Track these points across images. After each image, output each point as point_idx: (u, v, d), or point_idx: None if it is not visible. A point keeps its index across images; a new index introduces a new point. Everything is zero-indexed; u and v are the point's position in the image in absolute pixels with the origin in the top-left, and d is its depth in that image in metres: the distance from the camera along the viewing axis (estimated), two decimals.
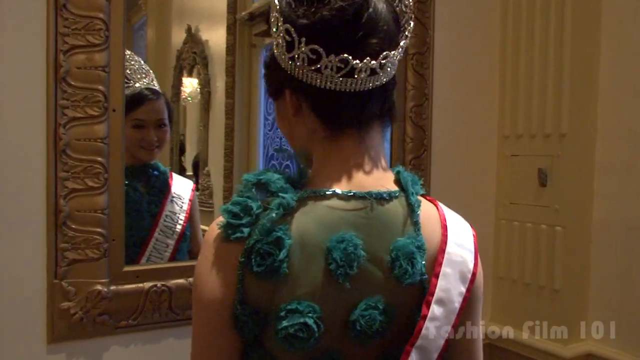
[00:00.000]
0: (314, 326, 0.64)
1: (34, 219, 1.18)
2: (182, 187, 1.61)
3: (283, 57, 0.68)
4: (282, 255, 0.63)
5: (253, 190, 0.67)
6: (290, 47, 0.67)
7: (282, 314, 0.64)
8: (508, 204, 1.78)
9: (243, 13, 1.83)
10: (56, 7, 1.16)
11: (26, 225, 1.18)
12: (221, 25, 1.81)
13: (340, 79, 0.66)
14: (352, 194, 0.67)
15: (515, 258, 1.77)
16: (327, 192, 0.67)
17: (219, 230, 0.67)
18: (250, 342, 0.68)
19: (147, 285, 1.28)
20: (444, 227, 0.72)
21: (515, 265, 1.77)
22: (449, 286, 0.69)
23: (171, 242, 1.48)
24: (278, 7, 0.67)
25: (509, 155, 1.78)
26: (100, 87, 1.20)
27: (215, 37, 1.81)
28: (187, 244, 1.54)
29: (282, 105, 0.73)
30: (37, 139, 1.17)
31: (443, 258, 0.70)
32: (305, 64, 0.66)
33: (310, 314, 0.64)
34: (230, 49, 1.79)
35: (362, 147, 0.71)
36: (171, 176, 1.58)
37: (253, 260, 0.64)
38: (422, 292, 0.69)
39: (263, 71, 0.76)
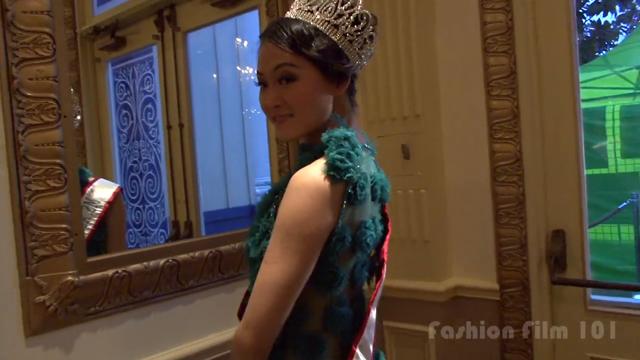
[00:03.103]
0: (375, 235, 1.14)
1: (2, 222, 1.36)
2: (102, 192, 1.84)
3: (358, 55, 1.17)
4: (368, 187, 1.10)
5: (346, 143, 1.08)
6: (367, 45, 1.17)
7: (364, 229, 1.11)
8: None
9: (85, 27, 2.00)
10: (3, 23, 1.37)
11: None
12: None
13: None
14: (366, 146, 1.17)
15: (394, 222, 2.35)
16: (365, 146, 1.18)
17: (326, 177, 1.05)
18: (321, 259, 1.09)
19: (110, 272, 1.53)
20: None
21: (392, 226, 2.35)
22: None
23: None
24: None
25: (375, 137, 2.34)
26: (53, 96, 1.42)
27: None
28: (100, 244, 1.80)
29: (315, 83, 1.15)
30: None
31: None
32: (366, 62, 1.18)
33: (373, 229, 1.14)
34: (73, 64, 1.91)
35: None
36: (90, 183, 1.82)
37: (358, 191, 1.07)
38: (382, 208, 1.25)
39: (315, 55, 1.14)
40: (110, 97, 2.18)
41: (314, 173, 1.07)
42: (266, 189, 1.29)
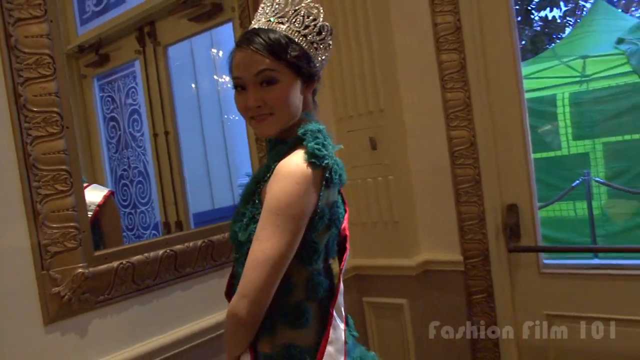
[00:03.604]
0: (343, 213, 1.27)
1: (18, 223, 1.44)
2: (93, 196, 1.88)
3: (321, 59, 1.28)
4: (340, 171, 1.22)
5: (320, 135, 1.21)
6: (326, 52, 1.29)
7: (336, 208, 1.24)
8: (351, 168, 2.42)
9: (70, 46, 2.04)
10: (8, 47, 1.46)
11: (11, 230, 1.44)
12: None
13: None
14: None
15: (363, 206, 2.45)
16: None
17: (308, 164, 1.17)
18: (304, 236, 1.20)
19: (116, 263, 1.62)
20: None
21: (363, 211, 2.45)
22: None
23: None
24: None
25: (345, 131, 2.46)
26: (56, 109, 1.50)
27: None
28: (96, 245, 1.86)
29: (295, 87, 1.27)
30: (10, 157, 1.44)
31: None
32: (324, 66, 1.29)
33: (342, 208, 1.28)
34: None
35: None
36: (84, 188, 1.87)
37: (333, 175, 1.19)
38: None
39: (292, 60, 1.26)
40: (98, 111, 2.22)
41: (297, 161, 1.18)
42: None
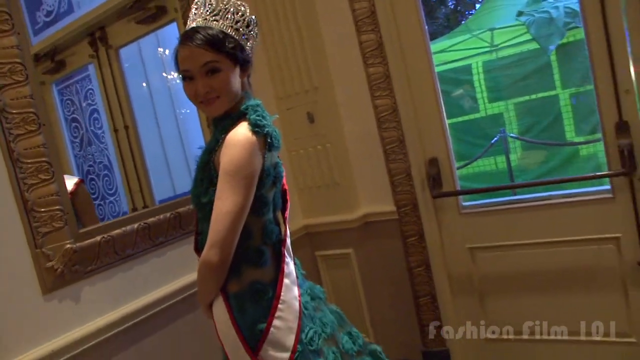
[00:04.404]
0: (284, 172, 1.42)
1: (10, 211, 1.54)
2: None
3: (251, 47, 1.41)
4: (278, 137, 1.37)
5: (259, 109, 1.37)
6: (254, 41, 1.42)
7: (278, 168, 1.40)
8: (294, 140, 2.60)
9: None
10: None
11: (5, 218, 1.54)
12: None
13: None
14: None
15: (307, 172, 2.62)
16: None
17: (253, 134, 1.31)
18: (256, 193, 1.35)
19: (98, 238, 1.74)
20: None
21: (309, 177, 2.62)
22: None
23: None
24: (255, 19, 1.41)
25: (285, 109, 2.61)
26: (32, 110, 1.59)
27: None
28: None
29: (235, 73, 1.40)
30: None
31: None
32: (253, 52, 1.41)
33: (282, 167, 1.42)
34: None
35: None
36: None
37: (274, 140, 1.34)
38: None
39: (230, 51, 1.38)
40: (60, 114, 2.23)
41: (243, 131, 1.33)
42: None
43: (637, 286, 2.22)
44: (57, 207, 1.65)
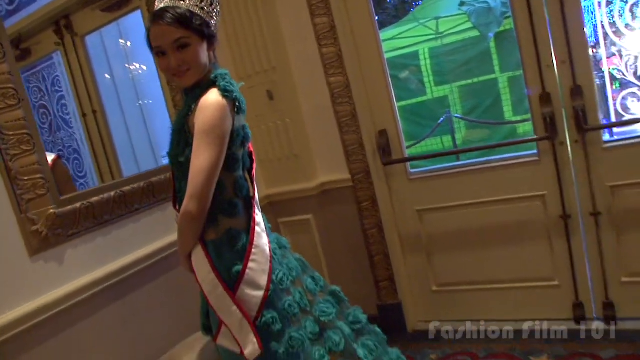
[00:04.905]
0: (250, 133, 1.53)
1: None
2: None
3: (215, 23, 1.49)
4: (245, 102, 1.47)
5: (227, 77, 1.47)
6: (217, 17, 1.49)
7: (246, 129, 1.50)
8: (255, 117, 2.67)
9: None
10: None
11: None
12: None
13: None
14: None
15: (268, 146, 2.71)
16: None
17: (223, 98, 1.41)
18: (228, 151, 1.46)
19: (78, 204, 1.80)
20: None
21: (269, 150, 2.72)
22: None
23: None
24: None
25: (247, 88, 2.69)
26: (11, 86, 1.65)
27: None
28: None
29: (203, 47, 1.49)
30: None
31: None
32: (217, 28, 1.50)
33: (249, 130, 1.53)
34: None
35: None
36: None
37: (241, 104, 1.45)
38: None
39: (197, 28, 1.46)
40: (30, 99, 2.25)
41: (214, 97, 1.44)
42: None
43: (560, 236, 2.44)
44: (39, 176, 1.71)
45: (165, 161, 2.55)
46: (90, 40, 2.40)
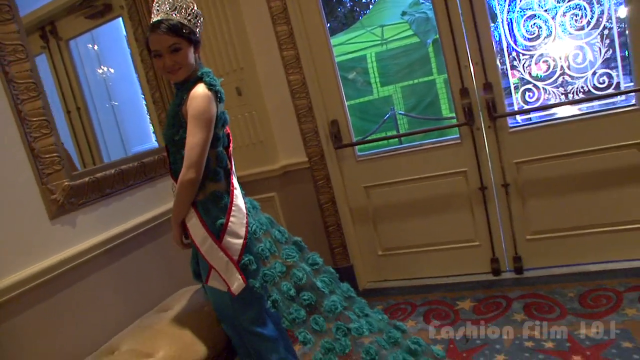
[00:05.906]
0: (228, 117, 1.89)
1: (22, 158, 1.88)
2: None
3: (199, 32, 1.83)
4: (223, 92, 1.83)
5: (210, 74, 1.82)
6: (200, 28, 1.84)
7: (225, 115, 1.86)
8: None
9: None
10: None
11: (19, 162, 1.88)
12: None
13: None
14: None
15: (238, 135, 3.02)
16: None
17: (209, 90, 1.74)
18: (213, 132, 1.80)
19: (87, 179, 2.10)
20: None
21: (239, 138, 3.03)
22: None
23: None
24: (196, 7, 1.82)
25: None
26: (32, 81, 1.93)
27: None
28: None
29: (191, 50, 1.84)
30: (9, 115, 1.86)
31: None
32: (200, 36, 1.85)
33: (227, 115, 1.89)
34: None
35: None
36: None
37: (222, 96, 1.80)
38: None
39: (187, 36, 1.79)
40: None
41: (202, 89, 1.78)
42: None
43: (479, 204, 2.93)
44: (55, 155, 2.01)
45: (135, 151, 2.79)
46: (74, 43, 2.60)
